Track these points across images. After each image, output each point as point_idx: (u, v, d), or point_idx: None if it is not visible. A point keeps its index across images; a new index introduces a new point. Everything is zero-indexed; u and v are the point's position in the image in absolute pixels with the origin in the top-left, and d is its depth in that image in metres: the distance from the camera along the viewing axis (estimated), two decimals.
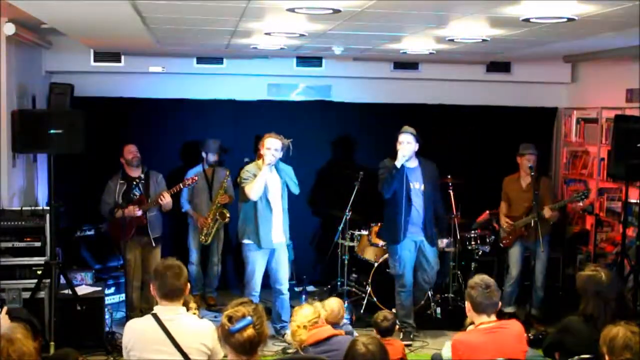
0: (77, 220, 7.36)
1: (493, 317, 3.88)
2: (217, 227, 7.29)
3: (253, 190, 6.05)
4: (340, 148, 8.37)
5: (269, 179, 6.15)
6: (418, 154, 6.37)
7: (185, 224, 7.48)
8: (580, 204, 7.41)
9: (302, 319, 4.34)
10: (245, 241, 6.26)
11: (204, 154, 7.40)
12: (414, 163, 6.35)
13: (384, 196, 6.27)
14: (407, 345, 6.07)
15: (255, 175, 6.09)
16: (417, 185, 6.33)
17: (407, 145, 6.17)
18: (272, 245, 6.26)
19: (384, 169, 6.28)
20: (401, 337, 6.31)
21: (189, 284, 3.58)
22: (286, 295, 6.43)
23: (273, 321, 6.41)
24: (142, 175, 6.78)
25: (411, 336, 6.42)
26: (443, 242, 7.03)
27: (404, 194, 6.22)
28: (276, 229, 6.27)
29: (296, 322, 4.35)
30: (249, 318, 2.78)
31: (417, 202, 6.33)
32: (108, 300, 6.73)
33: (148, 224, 6.72)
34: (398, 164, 6.14)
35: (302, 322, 4.32)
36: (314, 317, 4.34)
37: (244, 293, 6.27)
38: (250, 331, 2.78)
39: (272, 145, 6.09)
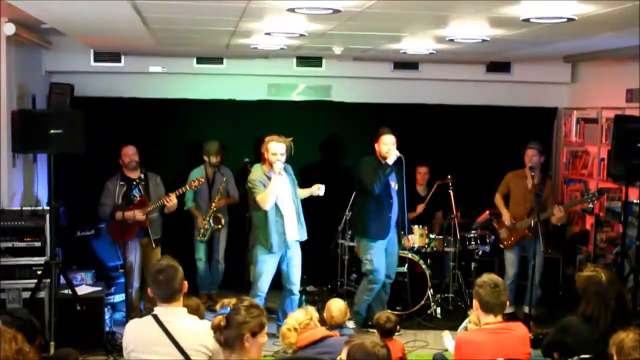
0: (77, 220, 7.35)
1: (499, 318, 3.89)
2: (210, 231, 7.37)
3: (267, 202, 6.03)
4: (340, 148, 8.37)
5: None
6: None
7: (190, 223, 7.53)
8: (591, 205, 7.36)
9: (293, 321, 4.32)
10: (258, 246, 6.23)
11: (205, 158, 7.42)
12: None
13: (373, 192, 6.38)
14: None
15: (263, 184, 6.07)
16: (393, 185, 6.58)
17: (393, 145, 6.41)
18: (285, 247, 6.24)
19: (367, 166, 6.47)
20: (354, 325, 6.49)
21: (186, 284, 3.53)
22: (296, 296, 6.43)
23: (279, 319, 6.38)
24: (142, 176, 6.78)
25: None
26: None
27: (386, 192, 6.48)
28: (289, 229, 6.24)
29: (287, 325, 4.34)
30: (227, 309, 2.87)
31: (395, 201, 6.60)
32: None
33: (149, 225, 6.72)
34: (391, 161, 6.36)
35: (292, 324, 4.29)
36: (306, 319, 4.31)
37: (250, 293, 6.25)
38: (219, 318, 2.94)
39: (278, 150, 6.06)
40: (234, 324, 2.94)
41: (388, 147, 6.39)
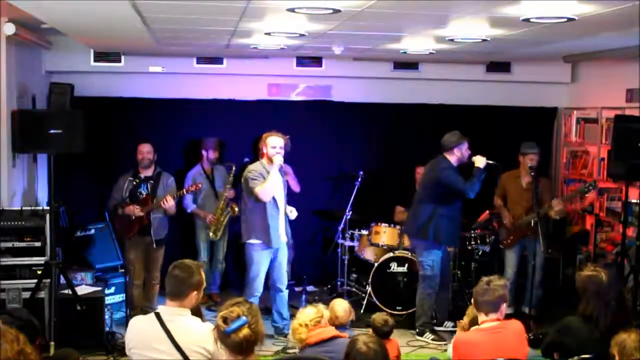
0: (76, 220, 7.36)
1: (491, 316, 3.88)
2: (226, 220, 7.34)
3: (266, 193, 6.06)
4: (340, 148, 8.37)
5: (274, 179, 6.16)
6: None
7: (192, 224, 7.52)
8: (587, 195, 7.32)
9: (304, 317, 4.34)
10: (252, 241, 6.23)
11: (204, 152, 7.45)
12: None
13: (468, 196, 6.28)
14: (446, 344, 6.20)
15: (262, 176, 6.09)
16: None
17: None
18: (280, 244, 6.28)
19: (452, 171, 6.34)
20: (431, 338, 6.41)
21: (201, 294, 3.54)
22: (285, 292, 6.46)
23: (274, 320, 6.42)
24: (151, 175, 6.84)
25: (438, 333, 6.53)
26: None
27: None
28: (281, 228, 6.29)
29: (298, 320, 4.36)
30: (244, 318, 2.79)
31: None
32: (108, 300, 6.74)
33: (150, 225, 6.73)
34: (482, 165, 6.29)
35: (304, 320, 4.32)
36: (317, 316, 4.34)
37: (246, 293, 6.25)
38: (245, 331, 2.79)
39: (278, 144, 6.13)
40: (257, 331, 2.89)
41: (468, 151, 6.37)
